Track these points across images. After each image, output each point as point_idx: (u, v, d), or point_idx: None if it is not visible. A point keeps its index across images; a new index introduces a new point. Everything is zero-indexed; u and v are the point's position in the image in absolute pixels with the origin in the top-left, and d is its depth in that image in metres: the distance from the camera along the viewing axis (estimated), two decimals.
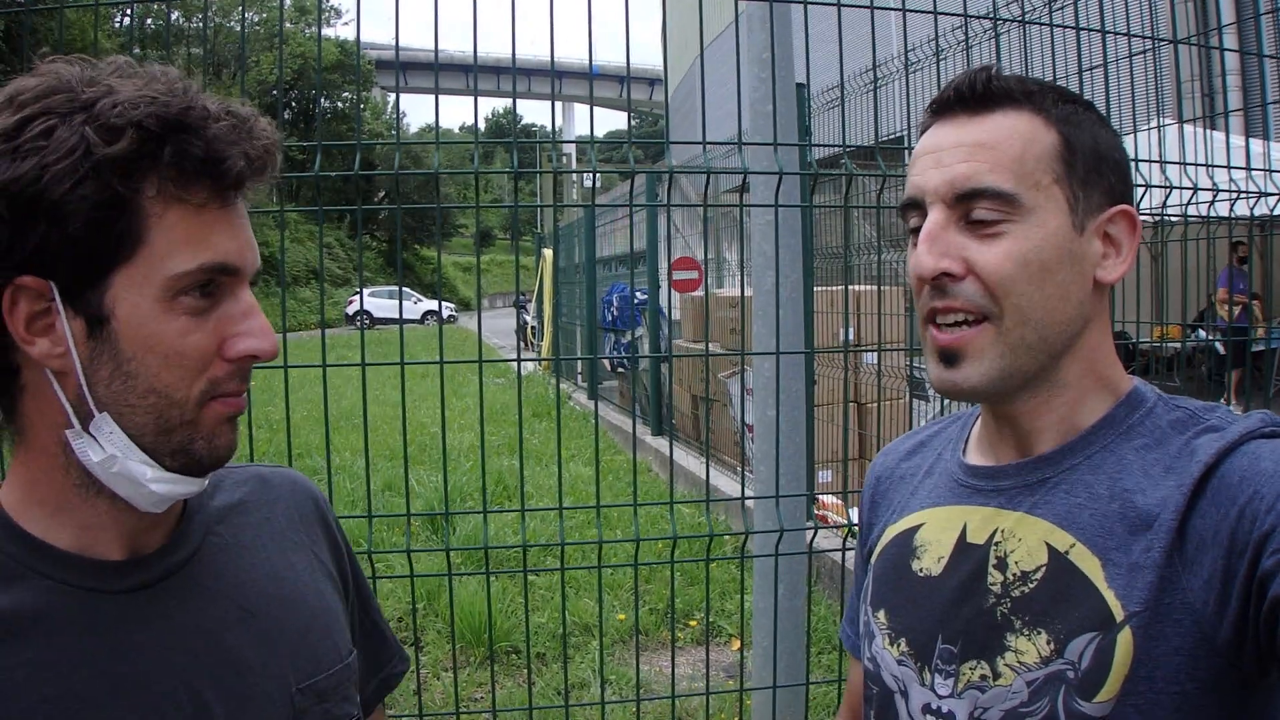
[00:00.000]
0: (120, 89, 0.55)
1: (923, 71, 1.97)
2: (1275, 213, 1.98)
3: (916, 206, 0.68)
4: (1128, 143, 2.05)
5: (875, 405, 4.23)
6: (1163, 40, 1.91)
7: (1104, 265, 0.68)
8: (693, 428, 5.88)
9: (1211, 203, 1.96)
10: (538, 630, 3.30)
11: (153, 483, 0.58)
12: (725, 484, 4.54)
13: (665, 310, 6.52)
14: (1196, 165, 1.90)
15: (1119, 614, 0.60)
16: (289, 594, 0.68)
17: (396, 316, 1.72)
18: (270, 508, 0.72)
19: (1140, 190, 1.84)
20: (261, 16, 25.65)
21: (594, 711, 2.60)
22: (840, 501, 3.20)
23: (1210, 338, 4.84)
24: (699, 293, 6.00)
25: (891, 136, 2.17)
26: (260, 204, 0.65)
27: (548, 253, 10.86)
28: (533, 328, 12.22)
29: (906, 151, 1.60)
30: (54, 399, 0.57)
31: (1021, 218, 0.64)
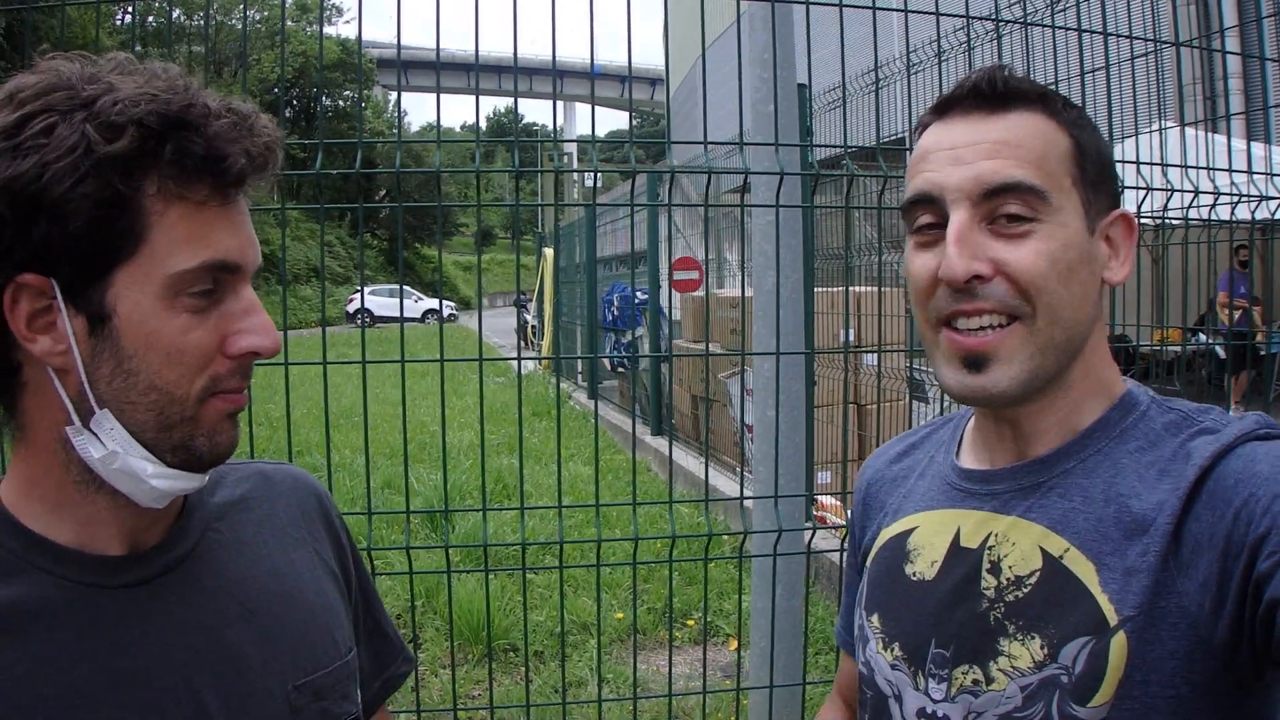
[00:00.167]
0: (121, 86, 0.55)
1: (924, 73, 1.97)
2: (1276, 217, 1.98)
3: (928, 204, 0.66)
4: (1129, 145, 2.06)
5: (875, 406, 4.24)
6: (1164, 43, 1.91)
7: (1110, 267, 0.69)
8: (692, 428, 5.88)
9: (1212, 206, 1.96)
10: (536, 628, 3.30)
11: (153, 478, 0.58)
12: (725, 484, 4.54)
13: (665, 310, 6.52)
14: (1197, 168, 1.90)
15: (1113, 618, 0.60)
16: (289, 590, 0.68)
17: (397, 315, 1.71)
18: (272, 504, 0.72)
19: (1141, 193, 1.84)
20: (263, 14, 25.66)
21: (591, 710, 2.60)
22: (839, 503, 3.20)
23: (1210, 341, 4.84)
24: (699, 293, 6.01)
25: (893, 138, 2.17)
26: (261, 202, 0.65)
27: (549, 252, 10.86)
28: (533, 327, 12.23)
29: (907, 153, 1.60)
30: (55, 396, 0.57)
31: (1048, 217, 0.64)
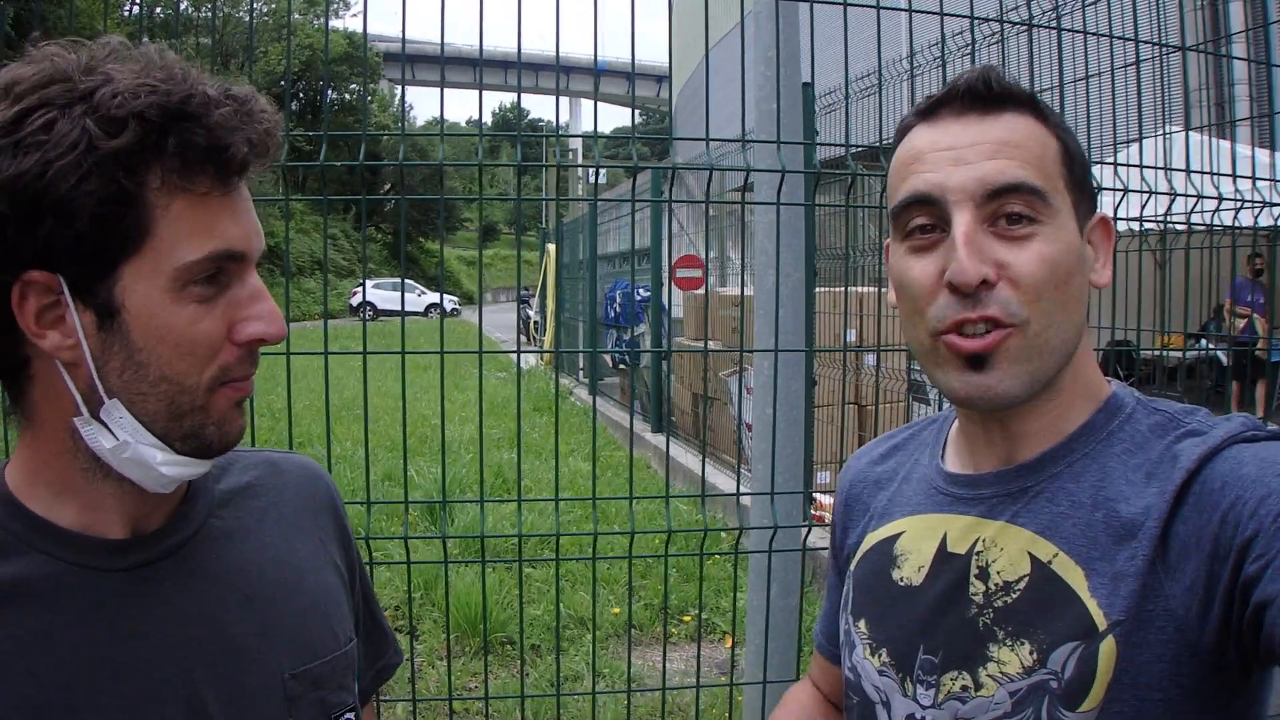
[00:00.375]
0: (119, 77, 0.54)
1: (927, 74, 1.97)
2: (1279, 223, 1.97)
3: (925, 205, 0.65)
4: (1133, 150, 2.06)
5: (875, 407, 4.24)
6: (1169, 47, 1.91)
7: (1095, 270, 0.69)
8: (693, 426, 5.89)
9: (1215, 211, 1.96)
10: (533, 622, 3.31)
11: (163, 465, 0.59)
12: (724, 482, 4.54)
13: (667, 307, 6.53)
14: (1201, 173, 1.90)
15: (1102, 623, 0.60)
16: (290, 579, 0.68)
17: (399, 308, 1.72)
18: (279, 493, 0.72)
19: (1145, 196, 1.84)
20: (270, 7, 25.66)
21: (585, 703, 2.62)
22: None
23: (1213, 348, 4.83)
24: (701, 291, 6.01)
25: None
26: (265, 193, 0.65)
27: (552, 248, 10.86)
28: (535, 323, 12.24)
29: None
30: (63, 389, 0.57)
31: (1048, 219, 0.63)
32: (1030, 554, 0.64)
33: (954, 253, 0.63)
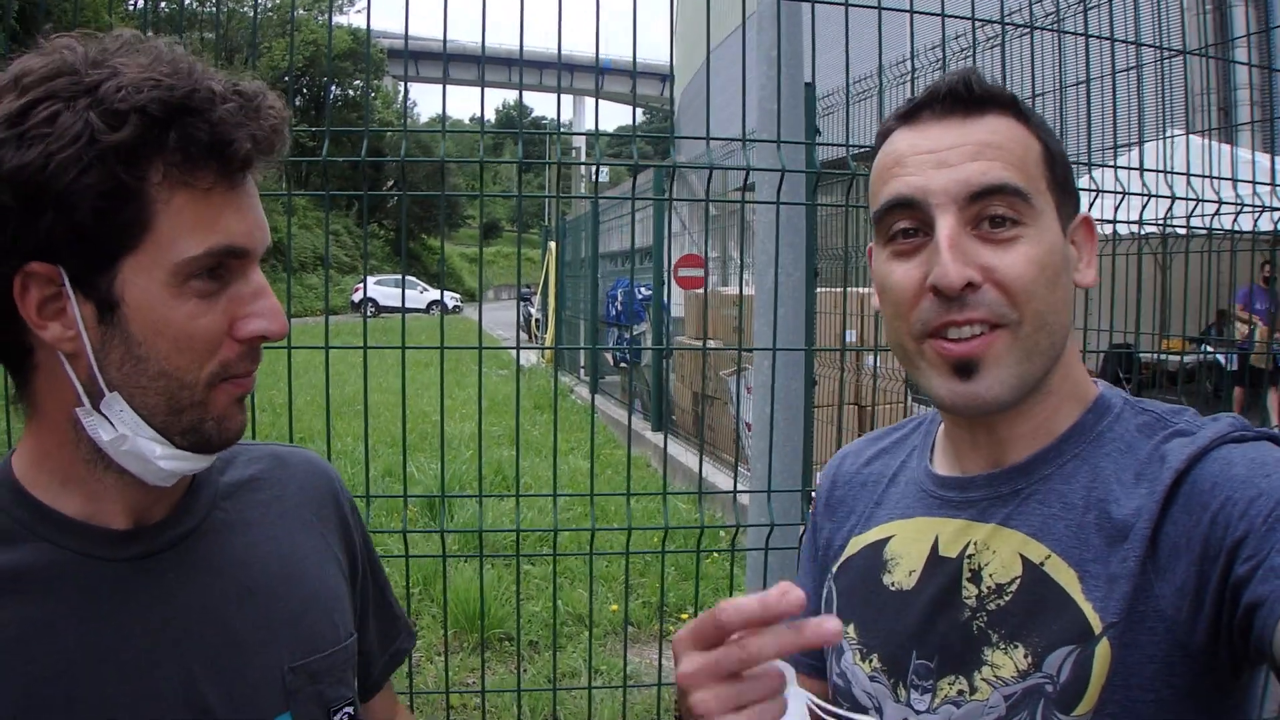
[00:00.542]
0: (125, 70, 0.54)
1: (927, 76, 1.97)
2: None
3: (908, 209, 0.65)
4: (1134, 153, 2.06)
5: (872, 408, 4.25)
6: (1169, 50, 1.91)
7: (1079, 270, 0.68)
8: (693, 425, 5.90)
9: (1215, 215, 1.96)
10: (531, 619, 3.32)
11: (162, 459, 0.59)
12: (723, 482, 4.55)
13: (667, 306, 6.53)
14: (1201, 177, 1.90)
15: (1097, 626, 0.60)
16: (291, 572, 0.68)
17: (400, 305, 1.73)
18: (282, 486, 0.73)
19: (1144, 199, 1.84)
20: (274, 2, 25.64)
21: (581, 699, 2.62)
22: None
23: (1213, 351, 4.83)
24: (702, 290, 6.02)
25: None
26: (268, 188, 0.65)
27: (554, 245, 10.86)
28: (537, 320, 12.25)
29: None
30: (66, 379, 0.58)
31: (1032, 221, 0.63)
32: (1022, 556, 0.64)
33: (938, 257, 0.62)
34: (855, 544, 0.77)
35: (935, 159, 0.64)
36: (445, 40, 1.55)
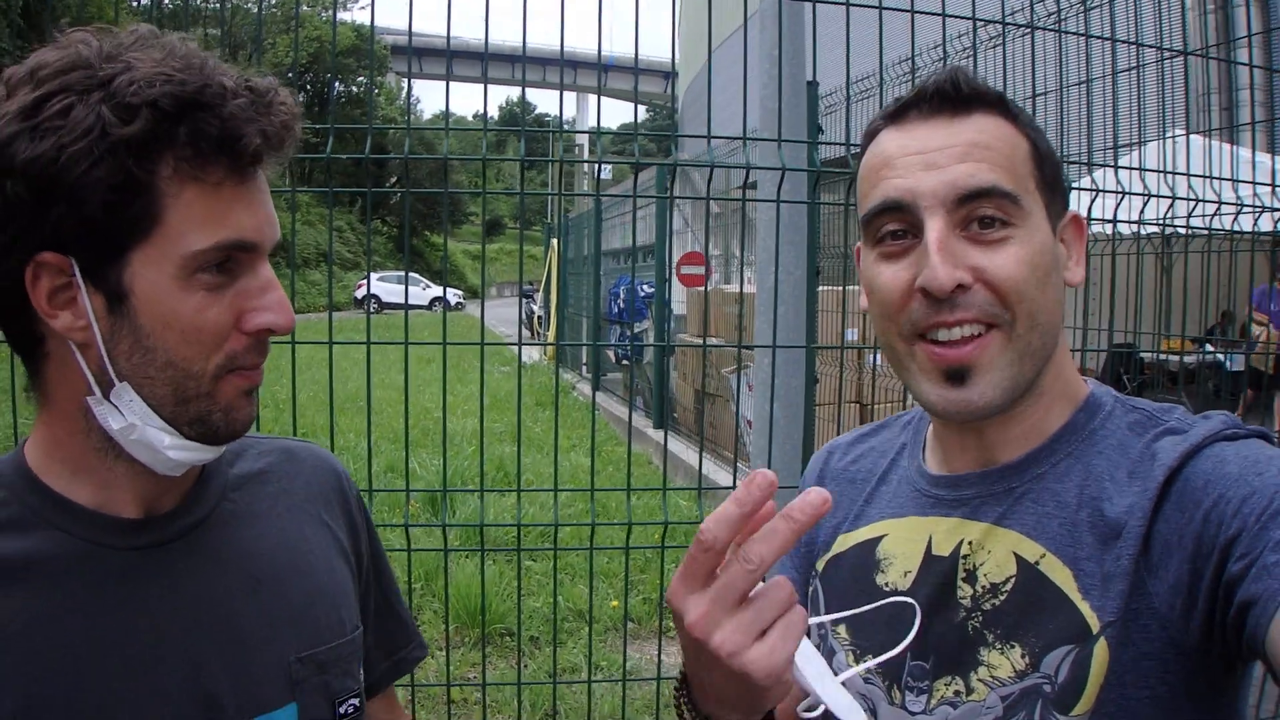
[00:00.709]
0: (138, 65, 0.55)
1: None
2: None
3: (896, 211, 0.64)
4: (1136, 154, 2.06)
5: (873, 406, 4.25)
6: (1170, 51, 1.91)
7: (1068, 268, 0.68)
8: (695, 422, 5.90)
9: (1215, 215, 1.96)
10: (531, 614, 3.34)
11: (170, 449, 0.59)
12: (724, 478, 4.55)
13: (669, 303, 6.53)
14: (1202, 177, 1.90)
15: (1095, 625, 0.59)
16: (299, 564, 0.69)
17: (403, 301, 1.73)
18: (290, 479, 0.73)
19: (1144, 200, 1.85)
20: None
21: (581, 693, 2.64)
22: None
23: (1213, 350, 4.82)
24: (704, 287, 6.02)
25: None
26: (272, 184, 0.66)
27: (555, 242, 10.86)
28: (539, 317, 12.26)
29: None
30: (77, 368, 0.58)
31: (1021, 221, 0.62)
32: (1016, 555, 0.64)
33: (927, 259, 0.62)
34: (844, 541, 0.76)
35: (923, 160, 0.64)
36: (449, 37, 1.56)
